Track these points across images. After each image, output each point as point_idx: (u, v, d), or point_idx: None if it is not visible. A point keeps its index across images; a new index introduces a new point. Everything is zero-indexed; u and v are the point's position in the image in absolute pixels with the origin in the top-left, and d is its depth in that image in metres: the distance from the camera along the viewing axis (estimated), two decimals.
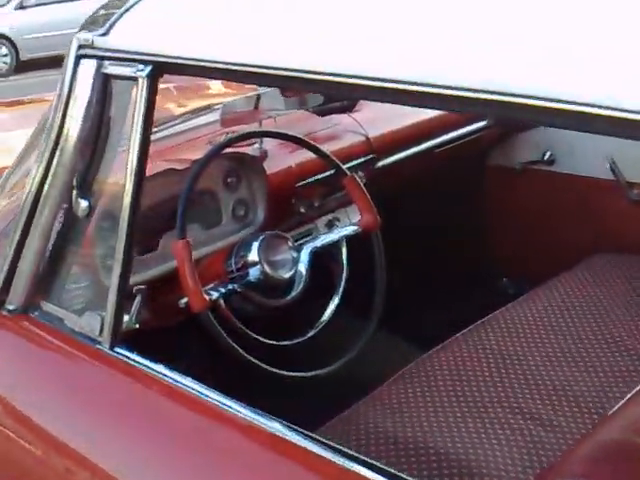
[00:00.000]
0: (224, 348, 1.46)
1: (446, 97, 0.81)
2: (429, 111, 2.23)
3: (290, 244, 1.62)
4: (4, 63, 11.85)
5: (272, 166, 1.85)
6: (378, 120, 2.18)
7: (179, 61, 1.04)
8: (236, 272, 1.58)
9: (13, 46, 11.78)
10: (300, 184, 1.91)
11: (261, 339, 1.55)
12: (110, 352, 1.19)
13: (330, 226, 2.08)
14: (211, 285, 1.55)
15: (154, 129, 1.92)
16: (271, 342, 1.58)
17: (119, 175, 1.15)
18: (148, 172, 1.63)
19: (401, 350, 2.14)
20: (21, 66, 11.79)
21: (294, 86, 1.06)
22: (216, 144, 1.56)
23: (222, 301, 1.49)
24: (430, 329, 2.16)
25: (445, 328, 1.90)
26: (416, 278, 2.39)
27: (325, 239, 1.71)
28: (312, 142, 1.73)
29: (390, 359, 1.94)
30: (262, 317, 1.66)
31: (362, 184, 1.73)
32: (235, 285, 1.54)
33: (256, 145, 1.84)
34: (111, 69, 1.13)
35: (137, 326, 1.25)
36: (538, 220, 2.47)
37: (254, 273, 1.56)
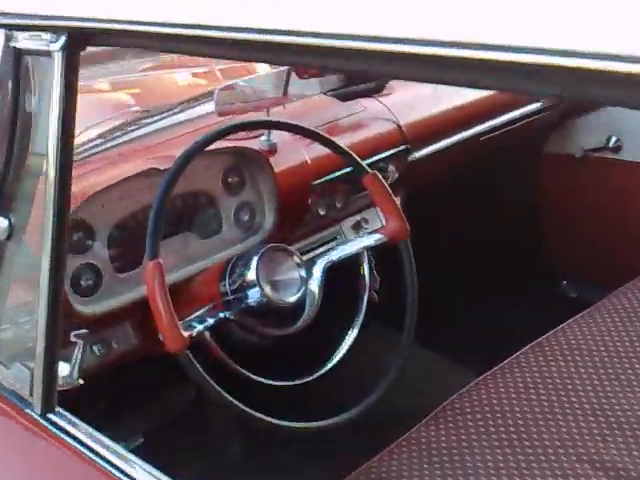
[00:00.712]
0: (212, 396, 1.18)
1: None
2: (471, 93, 1.93)
3: (297, 260, 1.33)
4: None
5: (282, 162, 1.56)
6: (411, 105, 1.87)
7: (104, 26, 0.75)
8: (231, 294, 1.30)
9: None
10: (317, 182, 1.62)
11: (261, 379, 1.26)
12: (40, 420, 0.93)
13: (358, 229, 1.79)
14: (200, 311, 1.27)
15: (148, 120, 1.69)
16: (274, 383, 1.29)
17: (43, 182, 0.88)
18: (129, 172, 1.40)
19: (441, 378, 1.84)
20: None
21: (271, 58, 0.77)
22: (200, 138, 1.27)
23: (207, 333, 1.21)
24: (477, 346, 1.88)
25: (495, 344, 1.61)
26: (459, 288, 2.09)
27: (342, 251, 1.41)
28: (321, 132, 1.43)
29: (427, 391, 1.65)
30: (264, 350, 1.38)
31: (386, 183, 1.42)
32: (227, 313, 1.26)
33: (263, 138, 1.55)
34: (22, 41, 0.86)
35: (81, 382, 0.98)
36: (602, 214, 2.23)
37: (253, 296, 1.28)
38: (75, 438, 0.91)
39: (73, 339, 0.97)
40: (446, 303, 2.08)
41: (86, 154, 1.52)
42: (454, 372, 1.95)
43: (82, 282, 1.33)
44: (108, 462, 0.88)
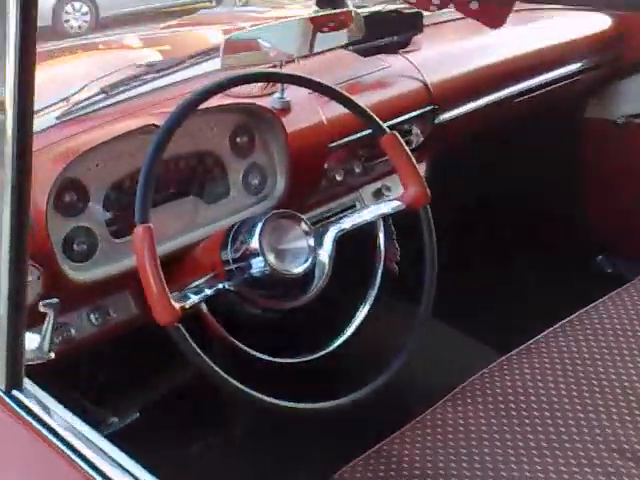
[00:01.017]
0: (206, 374, 1.08)
1: None
2: (503, 52, 1.79)
3: (305, 227, 1.21)
4: (84, 22, 11.87)
5: (296, 122, 1.45)
6: (440, 62, 1.75)
7: None
8: (233, 264, 1.20)
9: (93, 4, 11.77)
10: (334, 144, 1.50)
11: (263, 356, 1.16)
12: (4, 396, 0.84)
13: (379, 197, 1.67)
14: (199, 281, 1.17)
15: (154, 75, 1.58)
16: (278, 360, 1.19)
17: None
18: (127, 129, 1.29)
19: (464, 357, 1.74)
20: (101, 24, 11.78)
21: None
22: (198, 90, 1.16)
23: (204, 305, 1.11)
24: (503, 325, 1.77)
25: (522, 323, 1.51)
26: (485, 262, 1.97)
27: (356, 219, 1.29)
28: (337, 89, 1.31)
29: (447, 371, 1.55)
30: (267, 325, 1.28)
31: (405, 145, 1.30)
32: (227, 284, 1.16)
33: (275, 95, 1.44)
34: None
35: (52, 356, 0.89)
36: None
37: (256, 266, 1.17)
38: (40, 420, 0.83)
39: (42, 309, 0.88)
40: (471, 278, 1.97)
41: (87, 110, 1.42)
42: (478, 351, 1.84)
43: (75, 247, 1.24)
44: (73, 450, 0.80)
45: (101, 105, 1.45)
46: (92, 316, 1.30)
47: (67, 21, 10.94)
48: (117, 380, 1.54)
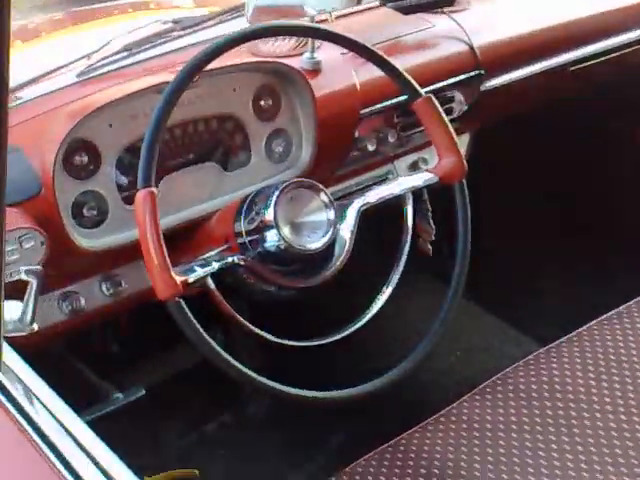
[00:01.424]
0: (207, 356, 1.00)
1: None
2: (561, 15, 1.64)
3: (325, 198, 1.11)
4: None
5: (326, 85, 1.34)
6: (489, 24, 1.61)
7: None
8: (246, 236, 1.11)
9: None
10: (366, 110, 1.39)
11: (274, 338, 1.08)
12: None
13: (415, 170, 1.56)
14: (209, 254, 1.09)
15: (180, 33, 1.49)
16: (292, 343, 1.09)
17: None
18: (139, 87, 1.21)
19: (500, 346, 1.63)
20: None
21: None
22: (211, 44, 1.07)
23: (210, 281, 1.03)
24: (547, 315, 1.65)
25: (567, 314, 1.40)
26: (530, 246, 1.84)
27: (383, 192, 1.19)
28: (369, 46, 1.19)
29: (481, 361, 1.45)
30: (281, 304, 1.19)
31: (442, 110, 1.18)
32: (237, 257, 1.07)
33: (305, 55, 1.33)
34: None
35: (34, 328, 0.82)
36: None
37: (271, 239, 1.08)
38: (12, 399, 0.76)
39: (23, 276, 0.81)
40: (514, 263, 1.85)
41: (108, 68, 1.35)
42: (516, 341, 1.73)
43: (85, 212, 1.17)
44: (44, 438, 0.72)
45: (123, 63, 1.37)
46: (104, 286, 1.23)
47: None
48: (126, 355, 1.49)
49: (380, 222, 1.27)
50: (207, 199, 1.27)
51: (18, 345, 1.08)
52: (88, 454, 0.72)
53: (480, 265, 1.23)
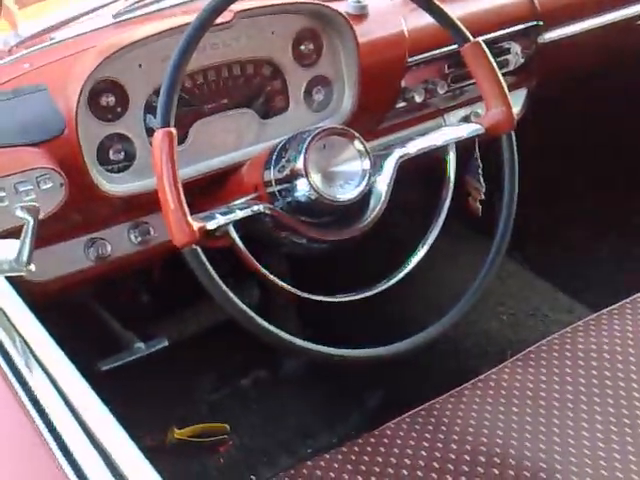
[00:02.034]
0: (225, 310, 0.96)
1: None
2: None
3: (360, 146, 1.05)
4: None
5: (372, 31, 1.27)
6: None
7: None
8: (276, 185, 1.06)
9: None
10: (415, 59, 1.32)
11: (301, 293, 1.02)
12: None
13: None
14: (235, 202, 1.04)
15: None
16: (321, 298, 1.03)
17: None
18: (166, 26, 1.16)
19: (551, 313, 1.55)
20: None
21: None
22: None
23: (233, 231, 0.98)
24: (603, 282, 1.57)
25: (624, 281, 1.33)
26: (589, 211, 1.74)
27: (423, 143, 1.12)
28: None
29: (528, 326, 1.37)
30: (311, 257, 1.14)
31: (489, 56, 1.10)
32: (262, 206, 1.02)
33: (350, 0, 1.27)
34: None
35: (32, 268, 0.78)
36: None
37: (301, 189, 1.03)
38: (8, 358, 0.72)
39: (18, 213, 0.77)
40: (568, 228, 1.76)
41: (148, 10, 1.31)
42: (567, 308, 1.65)
43: (110, 155, 1.13)
44: (29, 392, 0.66)
45: (162, 5, 1.33)
46: (132, 234, 1.20)
47: None
48: (158, 305, 1.46)
49: (426, 174, 1.21)
50: (241, 147, 1.22)
51: (40, 291, 1.06)
52: (78, 418, 0.65)
53: (532, 228, 1.17)
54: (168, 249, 1.23)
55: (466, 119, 1.49)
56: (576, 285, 1.68)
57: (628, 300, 1.23)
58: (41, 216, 0.82)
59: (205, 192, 1.20)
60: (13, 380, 0.69)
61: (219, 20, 1.06)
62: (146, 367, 1.42)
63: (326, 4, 1.23)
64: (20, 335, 0.73)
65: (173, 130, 0.95)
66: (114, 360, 1.35)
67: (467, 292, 1.13)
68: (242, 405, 1.55)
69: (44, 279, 1.13)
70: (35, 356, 0.71)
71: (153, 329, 1.47)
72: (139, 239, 1.20)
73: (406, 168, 1.11)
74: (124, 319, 1.44)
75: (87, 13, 1.32)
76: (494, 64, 1.12)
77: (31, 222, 0.76)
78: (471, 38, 1.12)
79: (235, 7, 1.10)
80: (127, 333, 1.42)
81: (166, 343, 1.40)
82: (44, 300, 1.02)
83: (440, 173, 1.17)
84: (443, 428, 1.05)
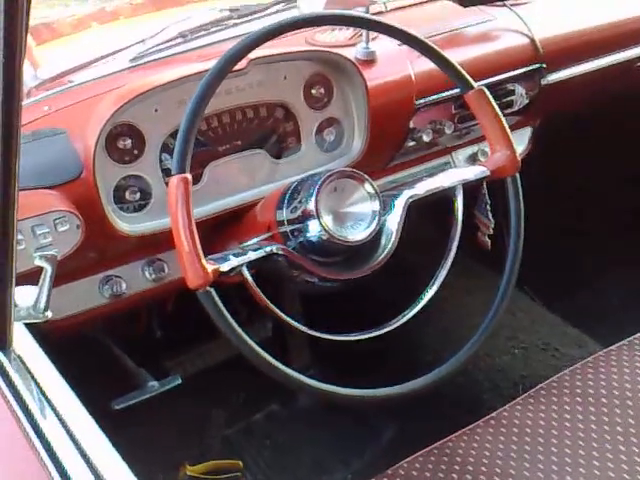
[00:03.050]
0: (238, 348, 0.98)
1: None
2: (628, 9, 1.58)
3: (370, 189, 1.08)
4: None
5: (380, 75, 1.31)
6: (552, 17, 1.56)
7: None
8: (288, 225, 1.08)
9: None
10: (422, 101, 1.36)
11: (311, 331, 1.04)
12: None
13: (473, 162, 1.52)
14: (249, 242, 1.07)
15: (237, 21, 1.47)
16: (330, 337, 1.05)
17: None
18: (185, 73, 1.19)
19: (560, 347, 1.57)
20: None
21: None
22: (255, 31, 1.04)
23: (246, 271, 1.00)
24: (611, 315, 1.59)
25: (633, 315, 1.34)
26: (595, 245, 1.77)
27: (432, 184, 1.15)
28: (420, 37, 1.15)
29: (538, 361, 1.39)
30: (322, 297, 1.15)
31: (493, 101, 1.13)
32: (275, 247, 1.04)
33: (360, 45, 1.30)
34: None
35: (48, 315, 0.80)
36: None
37: (313, 229, 1.06)
38: (14, 389, 0.73)
39: (37, 262, 0.79)
40: (577, 262, 1.79)
41: (162, 55, 1.35)
42: (577, 342, 1.66)
43: (127, 196, 1.16)
44: (42, 438, 0.68)
45: (177, 50, 1.37)
46: (147, 271, 1.23)
47: None
48: (171, 341, 1.48)
49: (435, 214, 1.23)
50: (255, 186, 1.25)
51: (55, 328, 1.07)
52: (87, 459, 0.67)
53: (543, 264, 1.18)
54: (182, 285, 1.26)
55: (473, 157, 1.52)
56: (585, 319, 1.69)
57: (637, 335, 1.25)
58: (58, 258, 0.84)
59: (219, 230, 1.22)
60: (27, 425, 0.70)
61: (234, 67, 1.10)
62: (158, 403, 1.43)
63: (336, 51, 1.27)
64: (36, 382, 0.75)
65: (188, 176, 0.97)
66: (128, 399, 1.36)
67: (479, 327, 1.14)
68: (256, 441, 1.55)
69: (59, 317, 1.14)
70: (49, 402, 0.72)
71: (165, 365, 1.48)
72: (153, 276, 1.23)
73: (415, 206, 1.14)
74: (136, 354, 1.45)
75: (105, 57, 1.36)
76: (497, 110, 1.14)
77: (49, 270, 0.77)
78: (474, 85, 1.14)
79: (249, 55, 1.13)
80: (140, 370, 1.43)
81: (179, 381, 1.41)
82: (58, 337, 1.04)
83: (448, 211, 1.20)
84: (456, 467, 1.06)
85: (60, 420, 0.70)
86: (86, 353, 0.94)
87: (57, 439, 0.68)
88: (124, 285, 1.20)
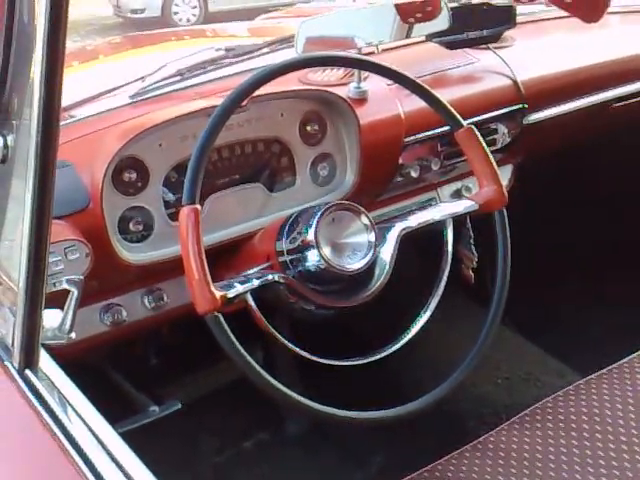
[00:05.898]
0: (245, 372, 1.02)
1: None
2: (604, 53, 1.67)
3: (366, 221, 1.14)
4: (193, 15, 12.11)
5: (371, 113, 1.37)
6: (532, 59, 1.64)
7: None
8: (287, 255, 1.13)
9: None
10: (410, 139, 1.42)
11: (311, 357, 1.09)
12: (16, 375, 0.80)
13: (458, 197, 1.58)
14: (250, 271, 1.12)
15: (232, 60, 1.53)
16: (327, 362, 1.10)
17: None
18: (188, 110, 1.25)
19: (542, 376, 1.62)
20: (209, 18, 12.01)
21: None
22: (259, 71, 1.10)
23: (250, 298, 1.05)
24: (591, 345, 1.65)
25: (612, 345, 1.40)
26: (574, 277, 1.84)
27: (423, 217, 1.21)
28: (411, 77, 1.22)
29: (522, 390, 1.44)
30: (320, 324, 1.20)
31: (481, 140, 1.20)
32: (277, 275, 1.09)
33: (352, 84, 1.37)
34: None
35: (72, 337, 0.84)
36: None
37: (312, 259, 1.11)
38: (46, 405, 0.77)
39: (65, 286, 0.83)
40: (557, 293, 1.85)
41: (161, 91, 1.40)
42: (557, 372, 1.72)
43: (131, 227, 1.21)
44: (74, 444, 0.73)
45: (175, 87, 1.42)
46: (146, 300, 1.26)
47: (176, 13, 11.09)
48: (166, 367, 1.51)
49: (424, 246, 1.29)
50: (252, 218, 1.30)
51: (57, 354, 1.11)
52: (120, 466, 0.72)
53: (523, 295, 1.23)
54: (179, 314, 1.30)
55: (457, 192, 1.59)
56: (565, 350, 1.75)
57: (615, 365, 1.30)
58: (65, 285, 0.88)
59: (219, 260, 1.27)
60: (62, 437, 0.75)
61: None
62: (150, 431, 1.46)
63: (329, 90, 1.34)
64: (65, 399, 0.78)
65: (198, 206, 1.02)
66: (131, 422, 1.39)
67: (467, 358, 1.19)
68: (245, 468, 1.58)
69: (58, 342, 1.18)
70: (80, 416, 0.76)
71: (161, 390, 1.51)
72: (152, 304, 1.26)
73: (406, 239, 1.20)
74: (135, 381, 1.48)
75: (105, 93, 1.41)
76: (486, 147, 1.21)
77: (75, 293, 0.82)
78: (464, 124, 1.21)
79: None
80: (140, 395, 1.46)
81: (179, 406, 1.44)
82: (61, 363, 1.07)
83: (436, 245, 1.25)
84: None
85: (91, 432, 0.75)
86: (87, 378, 0.96)
87: (91, 450, 0.73)
88: (124, 313, 1.24)
